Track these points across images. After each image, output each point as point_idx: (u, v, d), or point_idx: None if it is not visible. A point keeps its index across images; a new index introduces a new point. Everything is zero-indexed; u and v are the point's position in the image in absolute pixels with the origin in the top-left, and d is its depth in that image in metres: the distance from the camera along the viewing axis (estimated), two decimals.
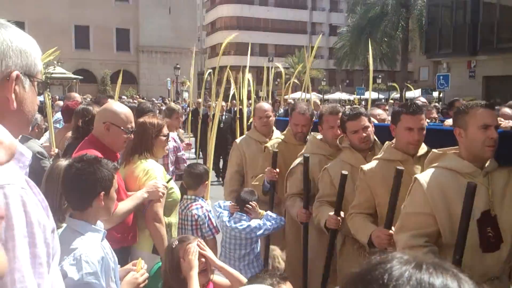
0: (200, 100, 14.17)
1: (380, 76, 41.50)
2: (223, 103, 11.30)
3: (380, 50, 38.99)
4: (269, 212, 3.68)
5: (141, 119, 3.45)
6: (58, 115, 6.72)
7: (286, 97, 18.59)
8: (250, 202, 3.61)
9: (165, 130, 3.46)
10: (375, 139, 3.40)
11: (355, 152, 3.34)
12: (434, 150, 2.64)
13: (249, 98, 13.09)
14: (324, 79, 48.80)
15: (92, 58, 43.33)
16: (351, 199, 3.18)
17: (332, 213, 3.13)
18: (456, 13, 23.66)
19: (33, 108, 1.25)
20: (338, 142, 3.56)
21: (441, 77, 19.45)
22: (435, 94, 26.27)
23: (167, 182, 3.19)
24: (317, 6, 59.66)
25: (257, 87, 15.90)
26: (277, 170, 3.90)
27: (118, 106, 3.19)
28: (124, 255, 3.01)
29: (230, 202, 3.85)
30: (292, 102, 19.14)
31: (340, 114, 3.55)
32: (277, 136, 4.47)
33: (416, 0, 34.94)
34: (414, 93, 31.19)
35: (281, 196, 4.08)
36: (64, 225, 2.15)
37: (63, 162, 2.27)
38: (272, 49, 56.25)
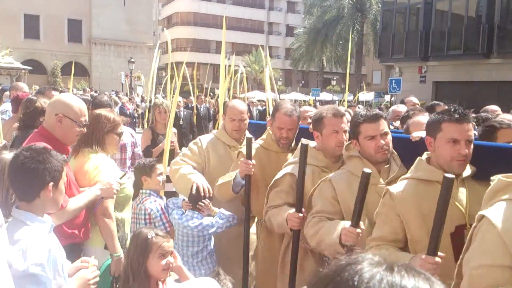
0: (158, 95, 13.82)
1: (334, 78, 42.31)
2: (180, 99, 10.89)
3: (336, 52, 39.72)
4: (222, 210, 3.58)
5: (97, 111, 3.34)
6: (5, 106, 6.42)
7: (242, 95, 18.62)
8: (203, 200, 3.51)
9: (119, 129, 3.33)
10: (392, 151, 2.78)
11: (368, 164, 2.68)
12: (499, 176, 1.93)
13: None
14: (281, 79, 49.21)
15: (42, 48, 41.88)
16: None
17: (348, 224, 2.38)
18: (409, 19, 24.42)
19: None
20: (344, 150, 2.92)
21: (393, 81, 20.00)
22: (387, 97, 27.03)
23: (121, 178, 3.08)
24: (274, 6, 60.04)
25: (213, 84, 15.85)
26: (253, 162, 3.21)
27: (71, 99, 3.04)
28: (76, 251, 2.92)
29: (183, 199, 3.76)
30: (254, 101, 18.92)
31: (345, 116, 3.03)
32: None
33: (371, 5, 35.83)
34: (367, 96, 32.04)
35: (255, 211, 3.46)
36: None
37: (8, 155, 2.14)
38: (229, 47, 56.15)
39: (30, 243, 1.85)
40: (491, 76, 20.57)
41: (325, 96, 38.91)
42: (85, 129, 3.03)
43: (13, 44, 37.75)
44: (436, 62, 23.13)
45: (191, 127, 10.91)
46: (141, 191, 3.78)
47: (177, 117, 9.52)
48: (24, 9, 41.07)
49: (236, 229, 3.53)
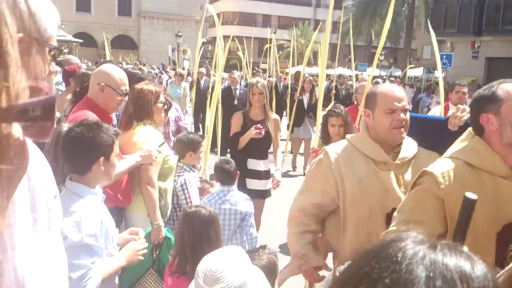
0: (202, 69, 13.00)
1: (382, 52, 41.15)
2: (237, 74, 9.89)
3: (380, 26, 38.52)
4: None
5: (138, 86, 3.45)
6: (58, 77, 6.66)
7: (287, 70, 18.48)
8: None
9: (162, 97, 3.47)
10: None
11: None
12: None
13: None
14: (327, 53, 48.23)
15: (92, 21, 42.83)
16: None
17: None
18: None
19: (43, 71, 1.24)
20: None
21: (444, 57, 19.24)
22: (437, 73, 26.11)
23: (160, 146, 3.21)
24: None
25: (258, 59, 15.78)
26: None
27: (112, 69, 3.20)
28: (119, 216, 3.07)
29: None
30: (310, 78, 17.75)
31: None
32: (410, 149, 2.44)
33: None
34: (415, 72, 31.04)
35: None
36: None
37: (65, 127, 2.27)
38: (275, 20, 55.48)
39: (84, 215, 1.96)
40: None
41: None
42: (125, 98, 3.19)
43: (65, 17, 38.81)
44: (490, 37, 22.07)
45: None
46: (178, 163, 3.80)
47: (230, 95, 8.89)
48: None
49: None
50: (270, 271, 2.25)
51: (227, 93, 8.47)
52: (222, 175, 3.82)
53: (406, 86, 18.86)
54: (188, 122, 9.17)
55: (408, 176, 2.32)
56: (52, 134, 2.25)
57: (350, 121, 4.54)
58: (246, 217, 3.70)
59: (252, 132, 4.56)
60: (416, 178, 1.94)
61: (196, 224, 2.46)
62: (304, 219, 2.53)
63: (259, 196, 4.76)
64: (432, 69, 28.15)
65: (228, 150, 4.94)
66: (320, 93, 4.96)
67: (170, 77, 15.81)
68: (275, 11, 55.62)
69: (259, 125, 4.59)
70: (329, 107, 4.78)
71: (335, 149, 2.49)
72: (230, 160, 4.00)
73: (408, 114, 2.34)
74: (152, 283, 3.00)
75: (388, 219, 2.18)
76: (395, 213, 1.98)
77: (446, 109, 5.82)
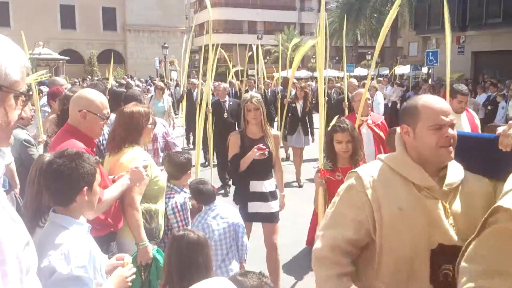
0: (194, 80, 12.75)
1: (369, 52, 41.38)
2: (225, 85, 9.31)
3: (370, 26, 38.76)
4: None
5: (127, 109, 3.41)
6: (44, 99, 6.65)
7: (276, 75, 18.50)
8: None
9: (151, 118, 3.45)
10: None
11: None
12: None
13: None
14: (314, 56, 48.45)
15: (78, 38, 42.73)
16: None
17: None
18: None
19: (4, 121, 1.17)
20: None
21: (430, 54, 19.39)
22: (424, 70, 26.27)
23: (145, 167, 3.16)
24: None
25: (247, 65, 15.86)
26: None
27: (91, 94, 3.15)
28: (112, 241, 3.06)
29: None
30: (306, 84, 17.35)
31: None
32: None
33: None
34: (403, 69, 31.24)
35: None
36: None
37: (47, 157, 2.24)
38: (261, 26, 55.70)
39: (71, 247, 1.94)
40: None
41: (359, 71, 38.17)
42: (107, 121, 3.18)
43: (50, 35, 38.72)
44: (475, 31, 22.27)
45: (238, 120, 8.34)
46: (168, 184, 3.73)
47: (220, 109, 8.27)
48: None
49: None
50: None
51: (215, 106, 8.09)
52: (199, 196, 3.74)
53: (395, 85, 18.91)
54: (178, 134, 9.11)
55: (456, 205, 1.97)
56: (35, 165, 2.23)
57: (358, 135, 4.18)
58: (237, 227, 3.69)
59: (255, 154, 4.17)
60: (487, 216, 1.51)
61: (183, 248, 2.44)
62: (338, 259, 2.03)
63: (266, 219, 4.40)
64: (419, 66, 28.36)
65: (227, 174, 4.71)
66: (320, 102, 4.20)
67: (150, 92, 15.49)
68: (260, 17, 55.84)
69: (261, 145, 4.21)
70: (332, 122, 4.22)
71: (368, 171, 2.07)
72: (204, 180, 3.88)
73: (455, 130, 1.99)
74: None
75: (433, 256, 1.91)
76: (463, 263, 1.55)
77: None
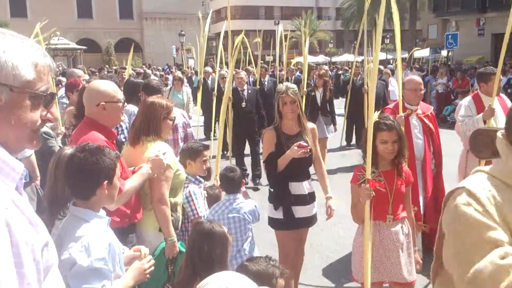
0: (208, 68, 12.68)
1: (388, 36, 40.78)
2: (243, 74, 8.89)
3: (388, 8, 38.09)
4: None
5: (150, 99, 3.41)
6: (62, 91, 6.72)
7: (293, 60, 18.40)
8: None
9: (172, 114, 3.42)
10: None
11: None
12: None
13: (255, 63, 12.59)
14: (332, 41, 48.00)
15: (95, 27, 43.01)
16: None
17: None
18: None
19: (19, 123, 1.15)
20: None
21: (450, 36, 19.03)
22: (444, 53, 25.79)
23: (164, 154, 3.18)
24: None
25: (263, 51, 15.75)
26: None
27: (102, 84, 3.17)
28: (130, 233, 3.09)
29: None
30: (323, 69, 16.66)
31: None
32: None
33: None
34: (422, 53, 30.70)
35: None
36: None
37: (68, 150, 2.28)
38: (278, 11, 55.25)
39: (91, 240, 1.97)
40: None
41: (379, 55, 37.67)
42: (125, 104, 3.19)
43: (67, 24, 39.03)
44: (495, 13, 21.76)
45: (258, 110, 8.34)
46: None
47: (238, 98, 8.10)
48: None
49: None
50: (262, 280, 2.16)
51: (234, 95, 7.91)
52: (227, 183, 3.79)
53: (413, 69, 18.54)
54: (197, 124, 9.07)
55: None
56: (55, 157, 2.27)
57: (403, 133, 3.53)
58: (252, 219, 3.75)
59: (297, 152, 3.72)
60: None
61: (204, 240, 2.49)
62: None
63: (305, 224, 4.03)
64: (439, 49, 27.85)
65: (266, 175, 4.14)
66: (371, 98, 3.26)
67: (168, 80, 15.05)
68: (277, 2, 55.34)
69: (302, 142, 3.77)
70: (374, 118, 3.31)
71: (482, 185, 1.65)
72: (234, 167, 3.95)
73: None
74: None
75: None
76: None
77: (478, 99, 5.34)
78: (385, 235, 3.35)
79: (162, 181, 3.10)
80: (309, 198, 3.96)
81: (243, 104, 8.14)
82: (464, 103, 5.41)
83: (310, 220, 4.02)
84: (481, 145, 1.76)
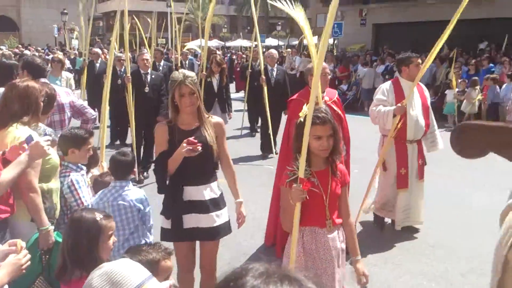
0: (97, 50, 12.10)
1: (279, 23, 41.80)
2: (148, 56, 8.02)
3: None
4: None
5: (21, 83, 3.25)
6: None
7: (185, 44, 18.05)
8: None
9: (43, 93, 3.32)
10: None
11: None
12: None
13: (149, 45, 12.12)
14: (225, 25, 48.13)
15: None
16: None
17: None
18: None
19: None
20: None
21: (335, 25, 20.05)
22: (330, 41, 27.15)
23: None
24: None
25: (158, 34, 15.28)
26: None
27: None
28: (3, 228, 2.91)
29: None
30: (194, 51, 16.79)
31: None
32: None
33: None
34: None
35: None
36: None
37: None
38: None
39: None
40: (431, 16, 20.93)
41: (270, 41, 38.51)
42: None
43: None
44: (376, 4, 23.43)
45: (160, 97, 7.51)
46: (62, 162, 3.48)
47: (140, 81, 7.36)
48: None
49: None
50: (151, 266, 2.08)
51: (135, 78, 7.20)
52: (116, 168, 3.60)
53: (302, 56, 19.33)
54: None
55: None
56: None
57: (337, 127, 3.01)
58: (144, 211, 3.58)
59: (182, 150, 3.13)
60: None
61: (77, 231, 2.31)
62: None
63: (207, 237, 3.40)
64: None
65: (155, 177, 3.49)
66: (312, 92, 2.75)
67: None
68: None
69: (192, 138, 3.17)
70: (304, 111, 2.89)
71: None
72: (127, 152, 3.74)
73: None
74: None
75: None
76: None
77: (397, 85, 5.28)
78: (321, 243, 2.92)
79: (28, 167, 2.88)
80: (212, 206, 3.35)
81: (146, 89, 7.41)
82: (385, 87, 5.39)
83: (213, 232, 3.37)
84: (471, 142, 1.60)
